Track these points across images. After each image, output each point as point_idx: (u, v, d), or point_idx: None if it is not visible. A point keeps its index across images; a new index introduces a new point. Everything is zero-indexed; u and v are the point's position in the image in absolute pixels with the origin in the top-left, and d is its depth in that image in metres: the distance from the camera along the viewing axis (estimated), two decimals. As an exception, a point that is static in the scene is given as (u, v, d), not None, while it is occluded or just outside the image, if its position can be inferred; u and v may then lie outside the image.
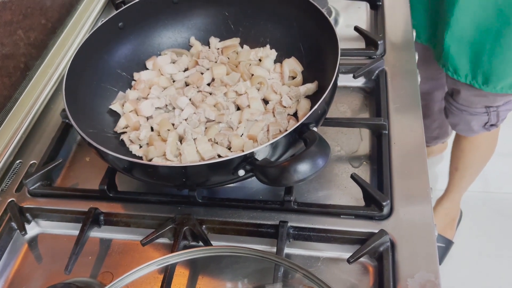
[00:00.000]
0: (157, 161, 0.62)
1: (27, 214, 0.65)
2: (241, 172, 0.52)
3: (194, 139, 0.64)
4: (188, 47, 0.80)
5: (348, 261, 0.54)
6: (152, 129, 0.68)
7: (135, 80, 0.75)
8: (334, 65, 0.59)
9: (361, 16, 0.91)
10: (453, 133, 1.51)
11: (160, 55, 0.78)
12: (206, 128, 0.66)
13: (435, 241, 0.57)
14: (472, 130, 1.16)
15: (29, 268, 0.63)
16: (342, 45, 0.61)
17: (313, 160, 0.47)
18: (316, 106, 0.54)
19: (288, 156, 0.57)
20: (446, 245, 1.43)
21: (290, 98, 0.68)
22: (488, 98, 1.05)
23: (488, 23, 0.91)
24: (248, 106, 0.67)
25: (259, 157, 0.52)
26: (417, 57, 0.80)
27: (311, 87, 0.68)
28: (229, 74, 0.72)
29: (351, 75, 0.74)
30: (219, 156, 0.62)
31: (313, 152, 0.48)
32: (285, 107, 0.67)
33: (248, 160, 0.51)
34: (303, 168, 0.47)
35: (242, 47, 0.77)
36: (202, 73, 0.74)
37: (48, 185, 0.69)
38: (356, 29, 0.82)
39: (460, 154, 1.28)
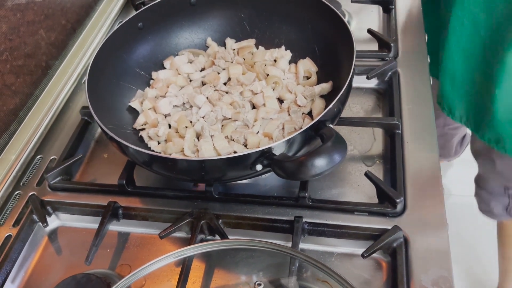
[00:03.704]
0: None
1: (48, 207, 0.67)
2: (259, 167, 0.53)
3: (211, 136, 0.65)
4: (205, 47, 0.81)
5: (363, 255, 0.55)
6: (169, 126, 0.70)
7: (153, 79, 0.77)
8: (349, 65, 0.61)
9: (374, 19, 0.93)
10: (459, 155, 1.50)
11: (177, 55, 0.80)
12: (222, 125, 0.68)
13: (448, 238, 0.57)
14: (492, 213, 1.05)
15: (49, 260, 0.65)
16: (355, 47, 0.63)
17: (330, 155, 0.49)
18: (332, 104, 0.55)
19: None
20: None
21: (305, 98, 0.69)
22: (504, 175, 0.95)
23: (476, 59, 0.83)
24: (264, 104, 0.69)
25: (276, 152, 0.53)
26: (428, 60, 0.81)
27: (325, 86, 0.69)
28: (245, 74, 0.74)
29: (365, 76, 0.76)
30: (235, 152, 0.64)
31: (330, 147, 0.49)
32: (300, 106, 0.69)
33: (266, 155, 0.52)
34: (320, 162, 0.48)
35: (257, 48, 0.79)
36: (218, 73, 0.75)
37: (68, 180, 0.71)
38: (370, 31, 0.83)
39: (506, 240, 1.14)
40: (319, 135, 0.54)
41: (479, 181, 1.04)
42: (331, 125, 0.55)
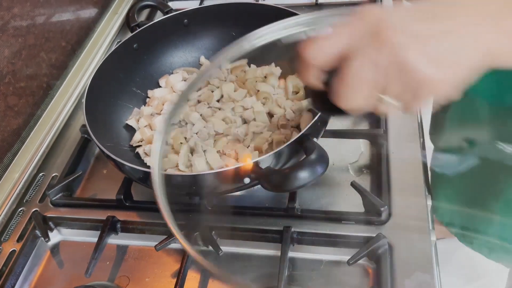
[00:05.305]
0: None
1: (50, 223, 0.70)
2: (247, 180, 0.56)
3: (204, 151, 0.68)
4: (198, 66, 0.85)
5: (348, 262, 0.57)
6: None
7: (149, 97, 0.80)
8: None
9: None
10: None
11: (172, 73, 0.83)
12: (215, 140, 0.71)
13: (431, 244, 0.60)
14: None
15: (52, 273, 0.68)
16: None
17: (312, 167, 0.51)
18: (315, 119, 0.58)
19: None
20: None
21: (293, 112, 0.72)
22: None
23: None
24: (254, 119, 0.72)
25: (263, 165, 0.56)
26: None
27: (313, 101, 0.72)
28: (237, 90, 0.77)
29: (352, 89, 0.79)
30: (227, 166, 0.66)
31: (312, 160, 0.52)
32: (288, 120, 0.72)
33: (252, 169, 0.55)
34: (303, 175, 0.51)
35: (249, 66, 0.82)
36: (212, 91, 0.78)
37: (69, 196, 0.74)
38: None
39: None
40: (303, 148, 0.57)
41: None
42: (314, 139, 0.58)
